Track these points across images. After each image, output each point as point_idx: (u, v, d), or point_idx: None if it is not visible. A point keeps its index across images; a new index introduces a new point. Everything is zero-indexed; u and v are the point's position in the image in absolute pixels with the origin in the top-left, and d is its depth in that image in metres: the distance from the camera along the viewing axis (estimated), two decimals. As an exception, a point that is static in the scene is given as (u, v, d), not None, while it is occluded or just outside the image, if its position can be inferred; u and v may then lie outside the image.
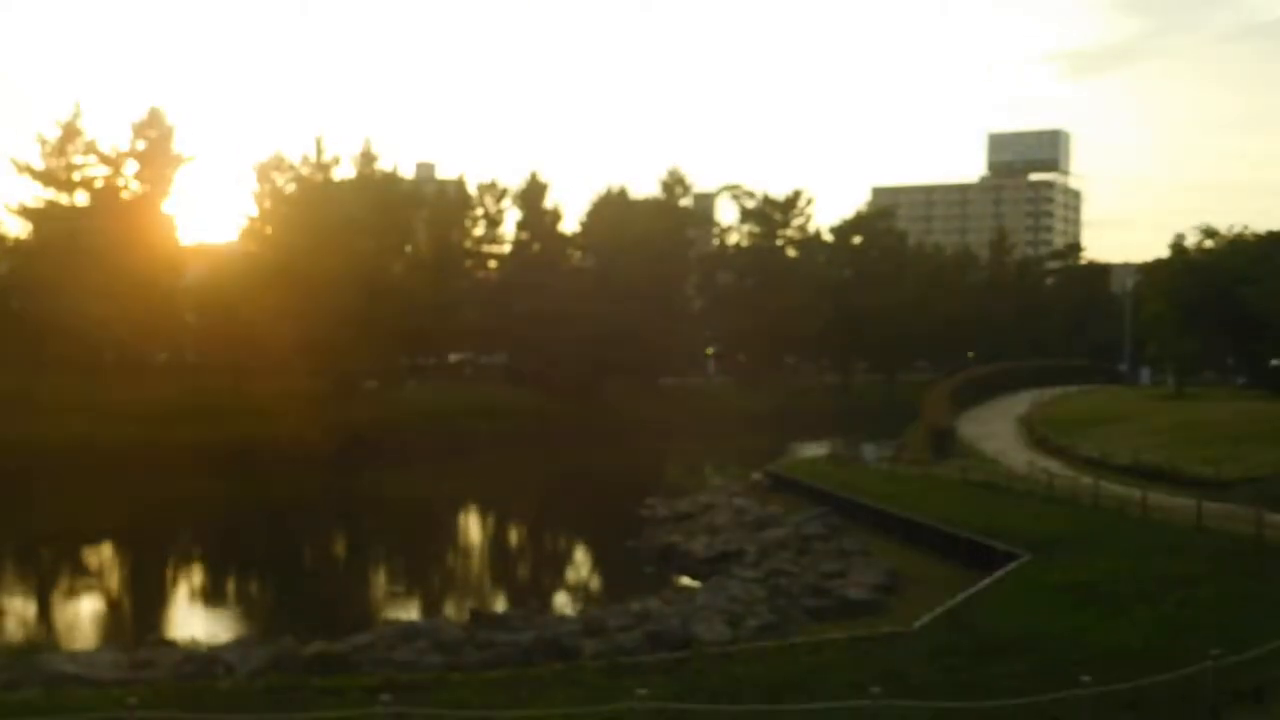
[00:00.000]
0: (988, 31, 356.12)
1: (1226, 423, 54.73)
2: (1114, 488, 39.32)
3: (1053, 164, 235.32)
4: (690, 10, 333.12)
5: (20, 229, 79.83)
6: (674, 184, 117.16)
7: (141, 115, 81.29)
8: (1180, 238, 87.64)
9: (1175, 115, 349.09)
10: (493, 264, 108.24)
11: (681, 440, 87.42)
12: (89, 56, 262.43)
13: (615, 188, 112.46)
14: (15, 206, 79.14)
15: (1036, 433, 61.36)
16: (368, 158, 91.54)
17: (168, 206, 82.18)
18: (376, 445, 72.09)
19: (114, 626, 31.87)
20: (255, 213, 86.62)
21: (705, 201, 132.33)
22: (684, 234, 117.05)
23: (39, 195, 79.32)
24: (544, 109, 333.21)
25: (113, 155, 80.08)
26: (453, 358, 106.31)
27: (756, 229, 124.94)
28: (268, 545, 46.75)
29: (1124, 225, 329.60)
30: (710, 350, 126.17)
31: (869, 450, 56.07)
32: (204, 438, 66.29)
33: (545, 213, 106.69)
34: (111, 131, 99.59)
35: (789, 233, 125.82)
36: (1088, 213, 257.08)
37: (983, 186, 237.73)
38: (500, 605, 33.76)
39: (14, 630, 30.83)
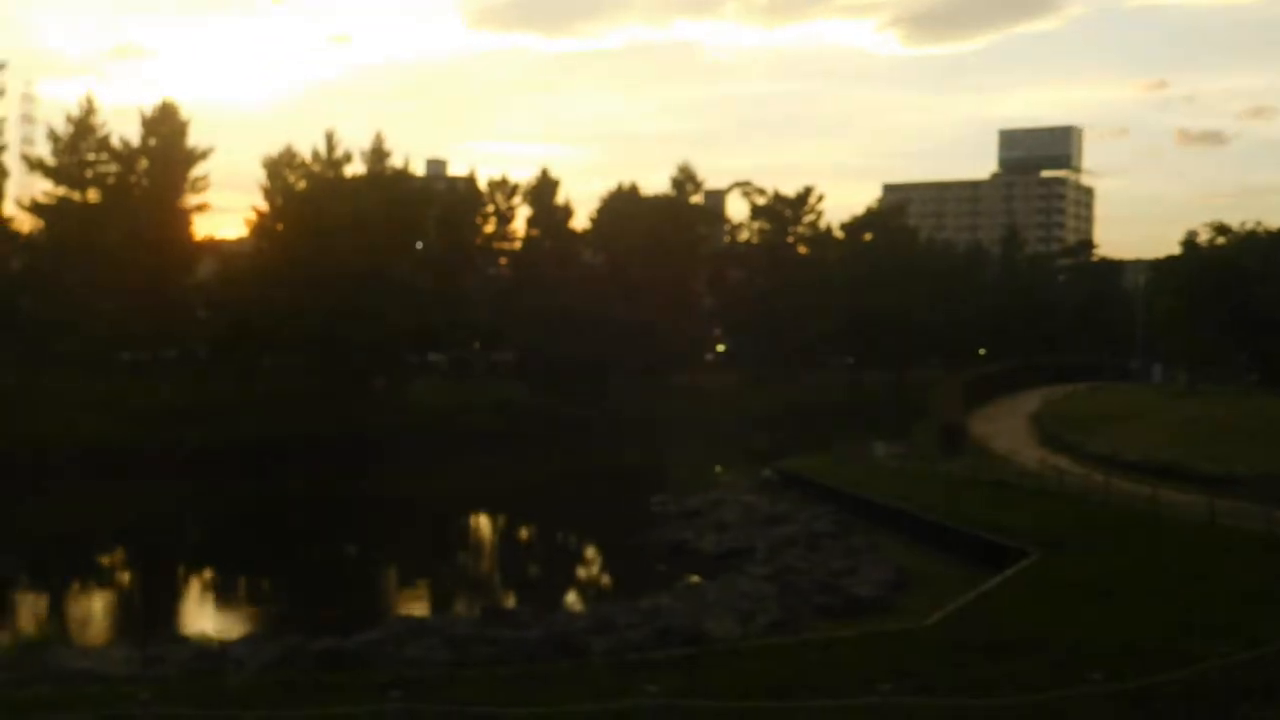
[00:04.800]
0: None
1: (1238, 420, 54.55)
2: (1125, 485, 39.24)
3: (1064, 161, 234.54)
4: (701, 4, 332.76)
5: (33, 225, 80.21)
6: (684, 181, 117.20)
7: (154, 111, 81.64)
8: (1192, 234, 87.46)
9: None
10: (503, 261, 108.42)
11: (691, 437, 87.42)
12: (101, 51, 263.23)
13: (626, 184, 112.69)
14: (28, 203, 79.56)
15: (1047, 430, 61.18)
16: (379, 154, 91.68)
17: (180, 203, 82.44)
18: (386, 442, 72.20)
19: (125, 623, 31.97)
20: (266, 209, 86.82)
21: (716, 198, 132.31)
22: (694, 231, 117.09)
23: (51, 191, 79.68)
24: (559, 104, 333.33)
25: (125, 152, 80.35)
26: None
27: (767, 226, 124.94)
28: (277, 542, 46.86)
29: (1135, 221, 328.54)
30: (721, 347, 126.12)
31: (879, 448, 55.98)
32: (214, 435, 66.52)
33: (556, 210, 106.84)
34: (124, 127, 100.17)
35: (800, 230, 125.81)
36: (1099, 209, 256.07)
37: (994, 183, 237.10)
38: (510, 602, 33.85)
39: (26, 626, 30.93)
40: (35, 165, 79.80)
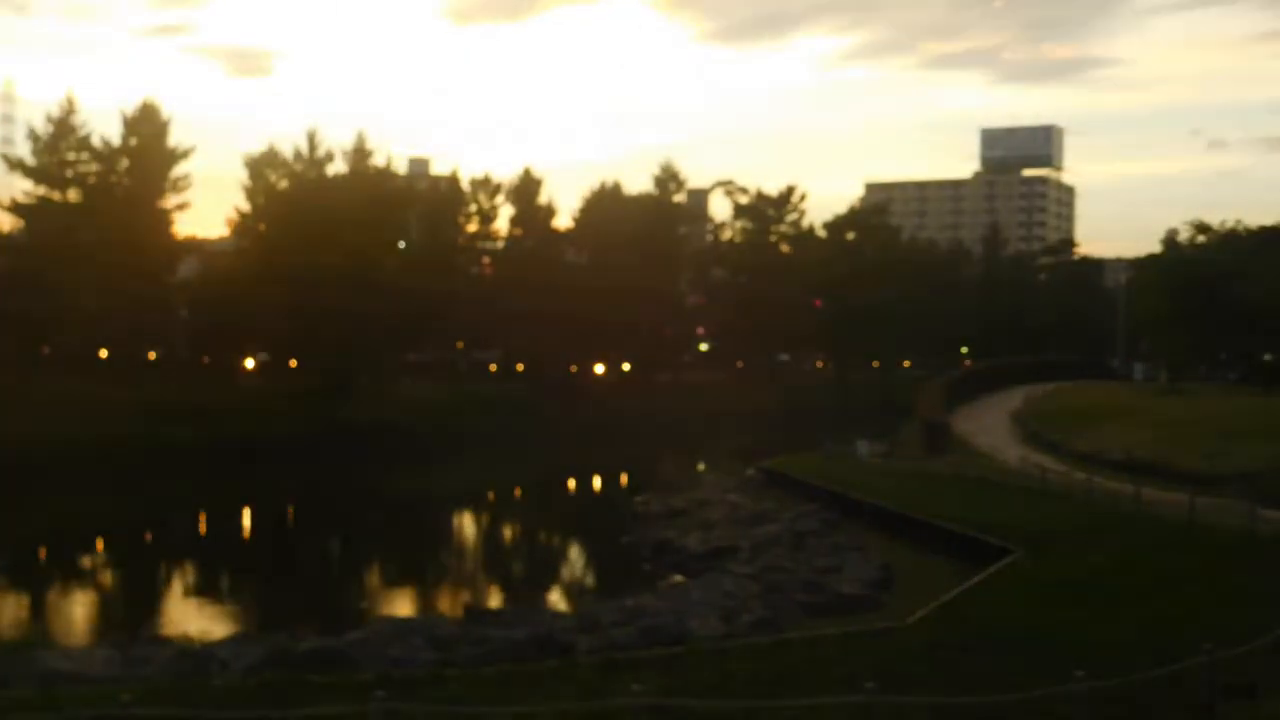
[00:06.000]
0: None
1: (1219, 418, 54.71)
2: (1107, 483, 39.37)
3: (1046, 160, 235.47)
4: (683, 4, 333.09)
5: (13, 225, 79.75)
6: (667, 179, 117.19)
7: (135, 110, 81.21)
8: (1173, 233, 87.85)
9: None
10: (486, 260, 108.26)
11: (675, 436, 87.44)
12: (84, 50, 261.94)
13: (609, 183, 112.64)
14: (8, 203, 79.11)
15: (1030, 428, 61.42)
16: (361, 153, 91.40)
17: (161, 202, 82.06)
18: (370, 441, 72.06)
19: (108, 624, 31.79)
20: (249, 208, 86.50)
21: (699, 197, 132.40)
22: (677, 230, 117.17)
23: (31, 191, 79.23)
24: (539, 103, 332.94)
25: (106, 151, 79.94)
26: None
27: (750, 225, 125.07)
28: (262, 542, 46.75)
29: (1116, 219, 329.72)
30: (704, 346, 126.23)
31: (863, 446, 56.08)
32: (197, 435, 66.31)
33: (539, 208, 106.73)
34: (105, 126, 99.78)
35: (782, 228, 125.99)
36: (1081, 207, 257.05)
37: (976, 182, 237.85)
38: (495, 601, 33.81)
39: (8, 627, 30.76)
40: (15, 165, 79.35)
